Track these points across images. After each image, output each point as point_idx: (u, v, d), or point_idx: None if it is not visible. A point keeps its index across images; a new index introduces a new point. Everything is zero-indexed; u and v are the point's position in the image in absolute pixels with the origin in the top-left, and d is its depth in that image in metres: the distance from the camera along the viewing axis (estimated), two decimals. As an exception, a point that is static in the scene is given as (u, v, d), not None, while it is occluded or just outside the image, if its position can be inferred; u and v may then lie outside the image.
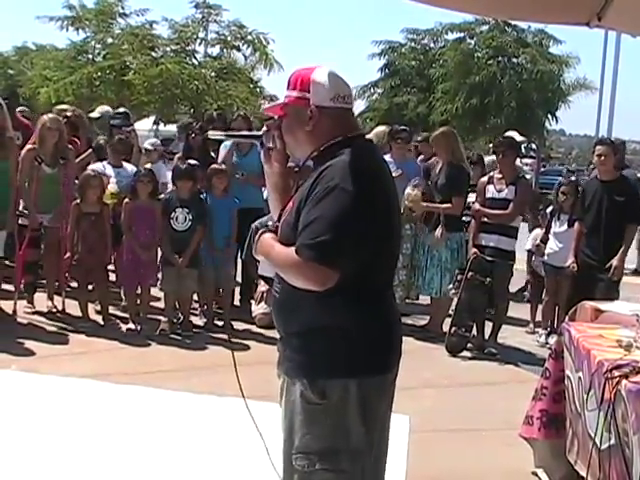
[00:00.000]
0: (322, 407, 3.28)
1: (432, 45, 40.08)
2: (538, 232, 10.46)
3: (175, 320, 9.06)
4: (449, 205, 9.24)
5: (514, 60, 35.34)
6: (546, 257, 9.83)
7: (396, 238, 3.50)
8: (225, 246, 9.13)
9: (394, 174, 8.77)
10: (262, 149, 3.63)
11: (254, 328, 9.16)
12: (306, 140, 3.41)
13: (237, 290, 9.96)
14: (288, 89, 3.45)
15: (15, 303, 8.98)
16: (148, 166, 9.96)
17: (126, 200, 8.96)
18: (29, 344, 8.16)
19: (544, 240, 9.97)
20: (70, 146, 9.51)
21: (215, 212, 9.09)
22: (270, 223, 3.54)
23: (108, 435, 5.90)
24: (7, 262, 9.41)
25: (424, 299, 10.24)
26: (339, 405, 3.27)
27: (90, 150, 10.21)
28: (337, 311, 3.26)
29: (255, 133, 4.18)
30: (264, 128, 3.67)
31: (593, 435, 4.46)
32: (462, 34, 37.17)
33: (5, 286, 9.30)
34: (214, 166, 9.39)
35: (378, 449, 3.45)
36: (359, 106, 42.83)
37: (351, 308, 3.27)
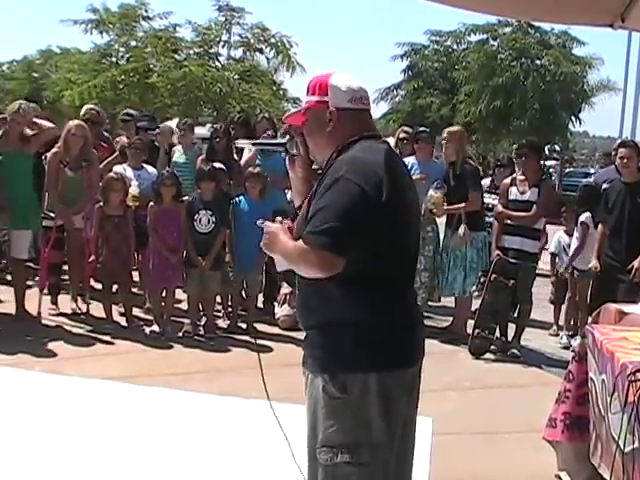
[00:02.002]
0: (343, 401, 3.33)
1: (455, 47, 40.00)
2: (561, 234, 10.42)
3: (198, 322, 9.07)
4: (468, 202, 9.25)
5: (537, 62, 35.20)
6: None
7: (411, 235, 3.53)
8: (257, 251, 9.04)
9: (417, 177, 8.84)
10: (286, 156, 3.72)
11: (277, 330, 9.17)
12: (327, 142, 3.51)
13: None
14: (307, 95, 3.59)
15: (39, 304, 9.03)
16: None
17: (151, 204, 8.97)
18: (53, 345, 8.22)
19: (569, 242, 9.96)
20: (94, 150, 9.56)
21: (251, 215, 9.06)
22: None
23: (132, 437, 5.93)
24: (32, 264, 9.47)
25: (447, 302, 10.21)
26: (360, 399, 3.32)
27: (117, 153, 10.24)
28: (356, 306, 3.32)
29: (279, 141, 4.34)
30: (287, 136, 3.78)
31: (617, 438, 4.44)
32: (485, 36, 37.08)
33: (30, 287, 9.35)
34: (250, 170, 9.37)
35: (402, 446, 3.49)
36: (382, 108, 42.77)
37: (370, 303, 3.33)
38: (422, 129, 10.81)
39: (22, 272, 9.15)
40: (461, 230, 9.23)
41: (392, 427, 3.38)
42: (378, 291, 3.34)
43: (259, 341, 8.54)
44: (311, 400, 3.49)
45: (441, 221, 9.93)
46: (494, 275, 8.86)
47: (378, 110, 41.39)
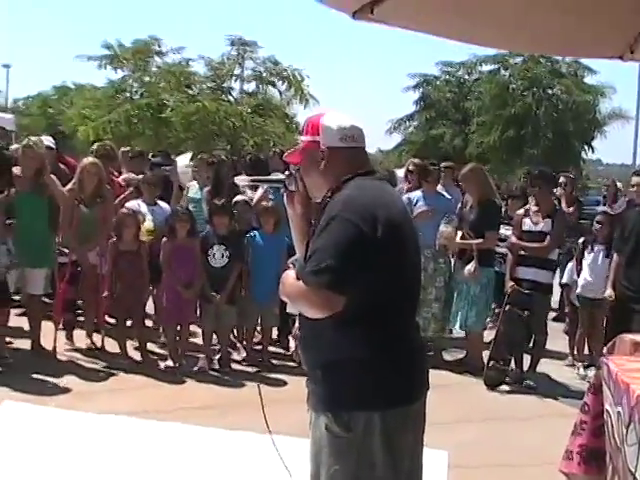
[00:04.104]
0: (347, 440, 3.34)
1: (467, 77, 40.21)
2: (573, 265, 10.35)
3: (213, 357, 9.08)
4: (482, 240, 9.23)
5: (549, 91, 35.37)
6: (580, 289, 9.78)
7: (411, 270, 3.54)
8: (273, 284, 9.00)
9: (423, 210, 8.86)
10: (285, 192, 3.78)
11: (292, 364, 9.15)
12: (321, 180, 3.58)
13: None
14: (302, 135, 3.68)
15: (55, 340, 9.04)
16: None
17: (164, 240, 9.01)
18: (68, 381, 8.21)
19: (578, 271, 9.92)
20: (108, 186, 9.63)
21: (265, 249, 9.13)
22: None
23: (147, 473, 5.94)
24: (47, 299, 9.50)
25: (462, 333, 10.19)
26: (363, 437, 3.33)
27: (131, 189, 10.29)
28: (356, 343, 3.34)
29: (278, 177, 4.47)
30: (286, 173, 3.86)
31: (633, 470, 4.42)
32: (496, 66, 37.28)
33: (45, 323, 9.37)
34: (263, 204, 9.43)
35: None
36: (395, 139, 42.92)
37: (371, 341, 3.34)
38: (432, 167, 10.67)
39: (38, 307, 9.17)
40: (471, 266, 9.19)
41: (397, 464, 3.38)
42: (379, 328, 3.35)
43: (274, 375, 8.57)
44: (315, 438, 3.50)
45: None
46: (508, 306, 8.85)
47: (391, 141, 41.54)
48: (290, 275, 3.51)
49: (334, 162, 3.52)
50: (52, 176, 8.99)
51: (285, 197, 3.80)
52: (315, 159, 3.56)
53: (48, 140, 10.44)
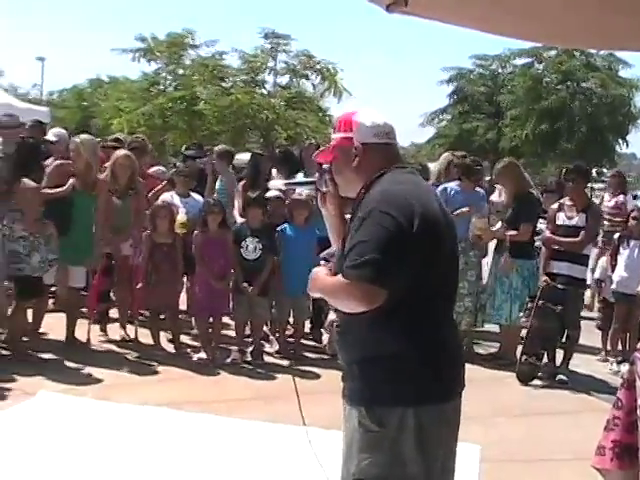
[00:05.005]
0: (379, 435, 3.34)
1: (500, 71, 40.01)
2: (606, 260, 10.30)
3: (246, 349, 9.12)
4: (516, 232, 9.20)
5: (583, 84, 35.10)
6: (615, 285, 9.72)
7: (447, 263, 3.51)
8: (305, 277, 8.97)
9: (464, 210, 8.84)
10: (317, 194, 3.80)
11: (325, 356, 9.18)
12: (354, 177, 3.58)
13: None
14: (334, 132, 3.69)
15: (89, 331, 9.13)
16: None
17: (196, 232, 9.06)
18: (102, 372, 8.25)
19: (612, 267, 9.86)
20: (141, 179, 9.70)
21: (297, 242, 9.16)
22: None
23: (180, 464, 5.97)
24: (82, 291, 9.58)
25: (494, 327, 10.15)
26: (396, 433, 3.32)
27: (166, 182, 10.34)
28: (394, 339, 3.33)
29: (310, 179, 4.40)
30: (317, 174, 3.85)
31: (666, 466, 4.40)
32: (530, 59, 37.04)
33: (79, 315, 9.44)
34: (294, 196, 9.46)
35: (442, 478, 3.48)
36: (428, 132, 42.83)
37: (408, 336, 3.33)
38: (477, 167, 10.52)
39: (76, 300, 9.25)
40: (503, 258, 9.21)
41: (429, 461, 3.36)
42: (416, 323, 3.34)
43: (306, 367, 8.59)
44: (348, 431, 3.51)
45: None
46: (542, 301, 8.81)
47: (424, 135, 41.44)
48: (321, 271, 3.52)
49: (368, 158, 3.52)
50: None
51: (318, 198, 3.82)
52: (348, 156, 3.56)
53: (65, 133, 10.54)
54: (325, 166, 3.77)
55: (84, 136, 9.60)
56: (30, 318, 8.80)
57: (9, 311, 8.82)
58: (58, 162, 9.07)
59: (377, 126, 3.56)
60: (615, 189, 12.53)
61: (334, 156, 3.66)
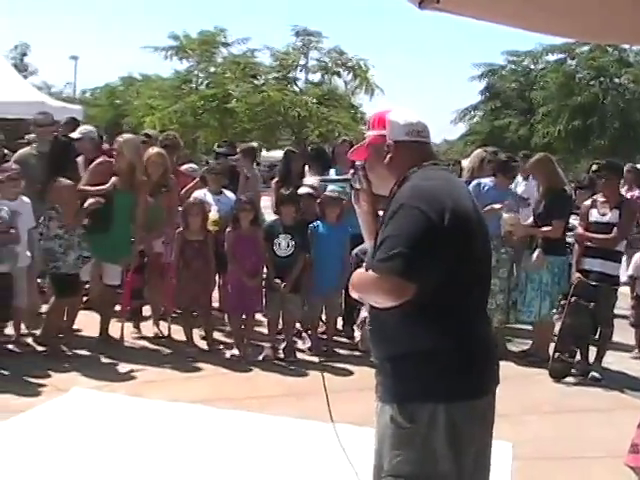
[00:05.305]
0: (410, 431, 3.35)
1: (532, 67, 39.80)
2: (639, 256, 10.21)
3: (278, 346, 9.15)
4: (548, 228, 9.17)
5: (616, 80, 34.84)
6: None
7: (480, 260, 3.51)
8: (337, 274, 9.04)
9: (496, 207, 8.82)
10: (352, 191, 3.82)
11: (357, 353, 9.18)
12: (387, 174, 3.60)
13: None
14: (368, 130, 3.72)
15: (122, 328, 9.19)
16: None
17: (228, 229, 9.09)
18: (135, 369, 8.33)
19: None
20: (172, 176, 9.75)
21: (329, 240, 9.18)
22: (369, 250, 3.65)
23: (212, 460, 6.01)
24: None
25: (526, 323, 10.12)
26: (427, 430, 3.32)
27: (197, 180, 10.38)
28: (425, 336, 3.34)
29: (344, 177, 4.42)
30: (351, 171, 3.86)
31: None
32: (563, 55, 36.81)
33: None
34: (327, 194, 9.47)
35: (475, 475, 3.47)
36: (460, 129, 42.71)
37: (440, 332, 3.33)
38: (514, 164, 10.47)
39: (111, 298, 9.31)
40: (535, 254, 9.20)
41: (461, 458, 3.36)
42: (448, 320, 3.34)
43: (338, 364, 8.60)
44: (379, 428, 3.53)
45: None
46: (574, 298, 8.77)
47: (456, 131, 41.32)
48: (359, 271, 3.53)
49: (400, 156, 3.54)
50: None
51: (352, 195, 3.83)
52: (381, 153, 3.59)
53: (91, 131, 10.60)
54: (358, 163, 3.79)
55: (127, 136, 9.71)
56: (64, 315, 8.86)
57: (43, 308, 8.92)
58: (99, 160, 9.15)
59: (410, 124, 3.58)
60: (630, 184, 12.42)
61: (368, 153, 3.69)
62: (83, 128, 10.57)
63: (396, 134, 3.57)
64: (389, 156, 3.56)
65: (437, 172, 3.54)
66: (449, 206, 3.31)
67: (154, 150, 9.62)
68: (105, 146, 11.13)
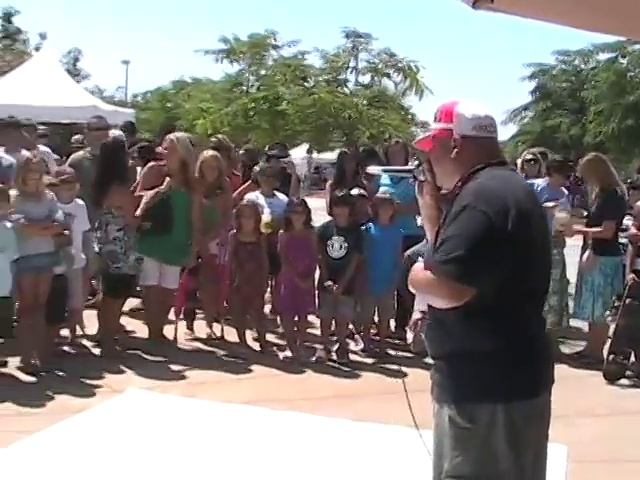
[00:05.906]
0: (470, 431, 3.34)
1: (583, 66, 39.47)
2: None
3: (331, 348, 9.16)
4: (599, 229, 9.10)
5: (669, 78, 34.43)
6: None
7: (539, 262, 3.49)
8: (389, 275, 9.05)
9: (550, 205, 8.76)
10: (415, 182, 3.77)
11: (409, 355, 9.15)
12: (452, 169, 3.55)
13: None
14: (434, 122, 3.66)
15: (176, 329, 9.27)
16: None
17: (281, 231, 9.12)
18: (188, 370, 8.39)
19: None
20: (227, 178, 9.80)
21: (381, 241, 9.17)
22: (423, 250, 3.64)
23: (265, 461, 6.03)
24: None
25: (580, 325, 10.04)
26: (486, 430, 3.31)
27: (250, 182, 10.42)
28: (481, 336, 3.33)
29: (408, 167, 4.38)
30: (415, 162, 3.84)
31: None
32: (614, 54, 36.46)
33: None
34: (379, 195, 9.48)
35: (534, 474, 3.46)
36: (511, 130, 42.44)
37: (497, 333, 3.32)
38: (562, 160, 10.44)
39: (169, 299, 9.38)
40: (585, 255, 9.13)
41: (520, 457, 3.35)
42: (508, 320, 3.33)
43: (391, 366, 8.59)
44: (438, 429, 3.52)
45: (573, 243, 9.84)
46: (629, 299, 8.69)
47: (507, 132, 41.09)
48: (419, 266, 3.52)
49: (466, 151, 3.50)
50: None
51: (416, 187, 3.78)
52: (447, 147, 3.54)
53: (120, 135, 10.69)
54: (422, 156, 3.77)
55: (179, 133, 9.80)
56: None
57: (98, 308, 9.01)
58: (150, 164, 9.22)
59: (477, 118, 3.53)
60: None
61: (433, 145, 3.65)
62: (110, 133, 10.61)
63: (463, 128, 3.51)
64: (455, 151, 3.52)
65: (502, 172, 3.52)
66: (513, 209, 3.29)
67: (209, 153, 9.69)
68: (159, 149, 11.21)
